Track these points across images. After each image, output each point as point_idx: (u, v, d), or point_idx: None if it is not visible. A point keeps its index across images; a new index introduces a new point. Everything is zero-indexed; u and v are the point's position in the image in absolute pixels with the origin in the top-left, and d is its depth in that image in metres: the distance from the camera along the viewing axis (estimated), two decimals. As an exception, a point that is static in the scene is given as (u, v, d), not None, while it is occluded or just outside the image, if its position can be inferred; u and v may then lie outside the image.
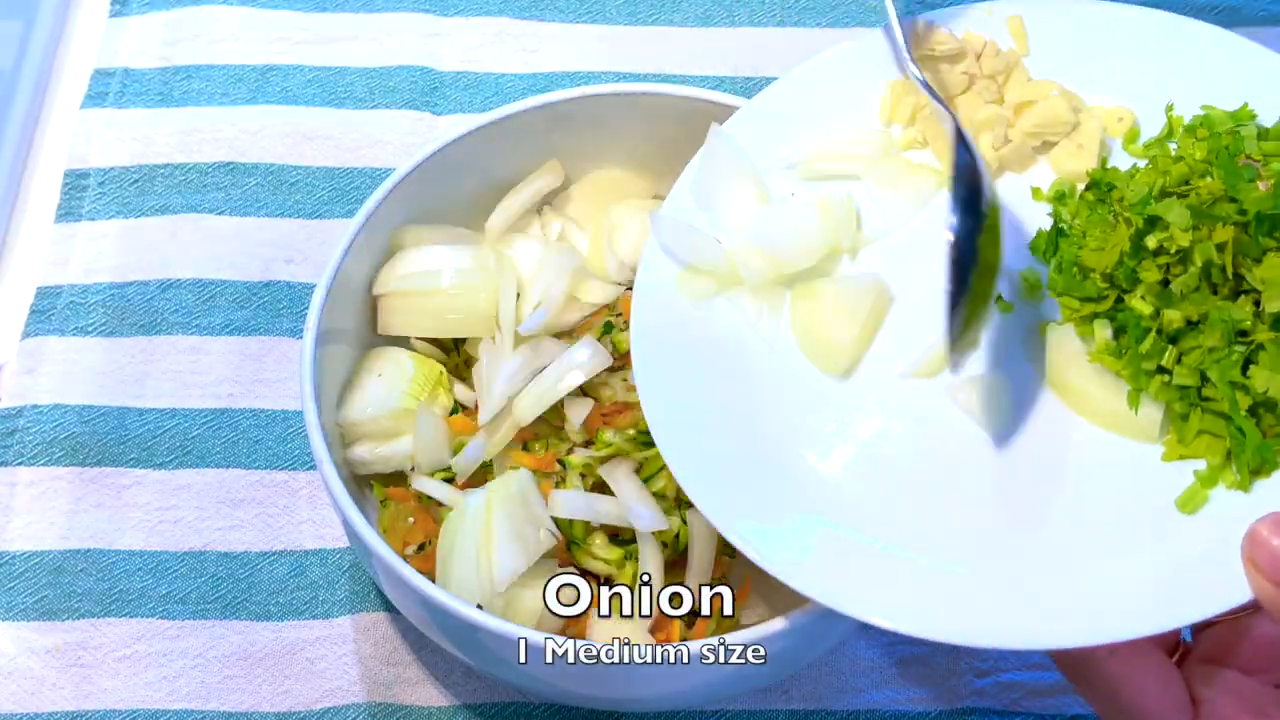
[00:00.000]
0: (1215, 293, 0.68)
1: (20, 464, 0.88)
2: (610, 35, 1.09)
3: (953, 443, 0.71)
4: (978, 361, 0.72)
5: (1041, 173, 0.78)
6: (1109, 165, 0.77)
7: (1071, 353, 0.71)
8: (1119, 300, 0.70)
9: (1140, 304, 0.68)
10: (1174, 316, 0.67)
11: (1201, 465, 0.67)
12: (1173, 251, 0.68)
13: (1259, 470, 0.66)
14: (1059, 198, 0.77)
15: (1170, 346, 0.68)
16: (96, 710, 0.81)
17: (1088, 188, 0.76)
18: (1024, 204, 0.77)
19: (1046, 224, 0.76)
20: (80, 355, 0.93)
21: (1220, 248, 0.67)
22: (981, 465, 0.70)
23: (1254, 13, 1.09)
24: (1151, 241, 0.68)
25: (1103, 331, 0.70)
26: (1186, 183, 0.71)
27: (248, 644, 0.83)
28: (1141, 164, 0.76)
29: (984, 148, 0.78)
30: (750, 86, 1.05)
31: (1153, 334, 0.68)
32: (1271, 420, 0.66)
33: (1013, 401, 0.71)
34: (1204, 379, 0.67)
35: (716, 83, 1.05)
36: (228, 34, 1.08)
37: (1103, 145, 0.78)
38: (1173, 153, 0.74)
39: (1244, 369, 0.66)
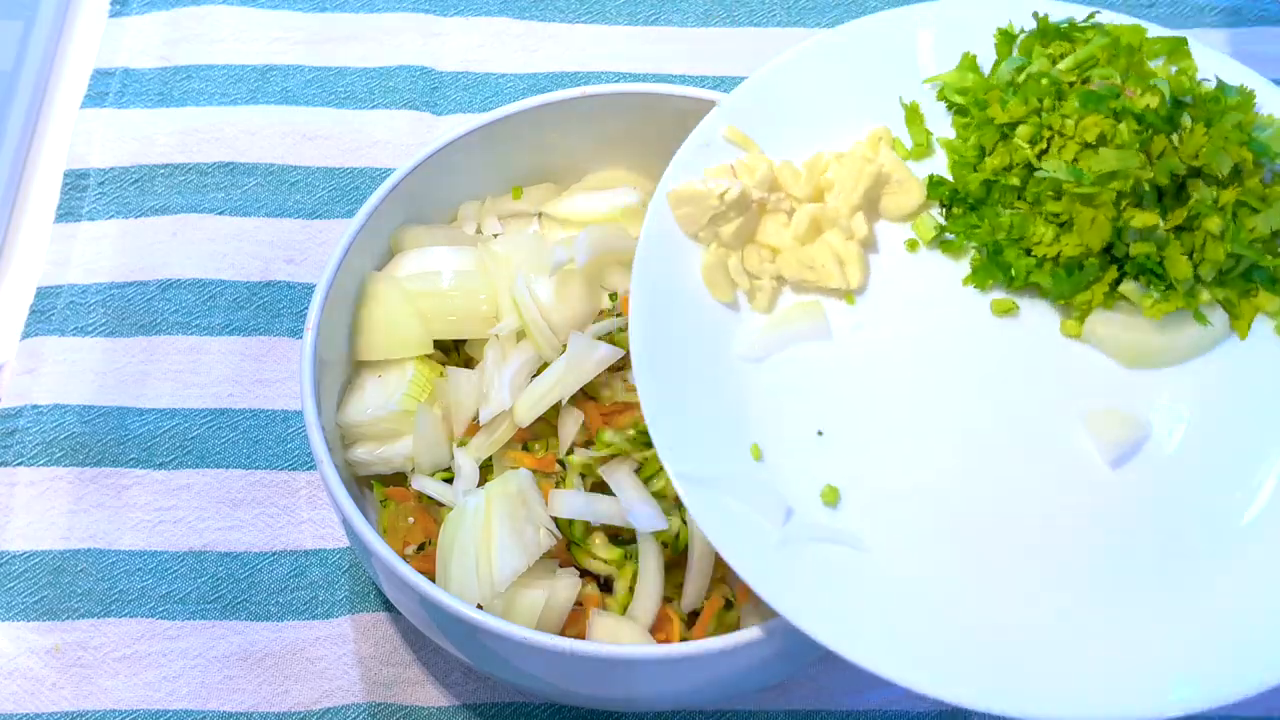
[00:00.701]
0: (1161, 200, 0.72)
1: (20, 464, 0.88)
2: (610, 35, 1.09)
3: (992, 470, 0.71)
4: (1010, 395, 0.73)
5: (882, 230, 0.78)
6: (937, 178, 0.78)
7: (1127, 325, 0.73)
8: (1114, 261, 0.73)
9: (1147, 248, 0.72)
10: (1178, 231, 0.72)
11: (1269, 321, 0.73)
12: (1146, 188, 0.71)
13: None
14: (940, 234, 0.77)
15: (1188, 260, 0.72)
16: (96, 710, 0.81)
17: (952, 204, 0.77)
18: (899, 259, 0.77)
19: (929, 263, 0.76)
20: (80, 355, 0.93)
21: (1166, 156, 0.72)
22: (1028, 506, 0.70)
23: (1254, 13, 1.09)
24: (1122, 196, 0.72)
25: (1135, 289, 0.73)
26: (1046, 139, 0.74)
27: (248, 644, 0.83)
28: (928, 164, 0.78)
29: (839, 244, 0.76)
30: (750, 86, 1.05)
31: (1182, 258, 0.72)
32: None
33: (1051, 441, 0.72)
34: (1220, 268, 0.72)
35: (716, 83, 1.05)
36: (228, 34, 1.08)
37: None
38: (964, 129, 0.77)
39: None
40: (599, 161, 0.90)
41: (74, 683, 0.82)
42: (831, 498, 0.70)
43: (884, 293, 0.76)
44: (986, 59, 0.79)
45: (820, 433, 0.72)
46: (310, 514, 0.88)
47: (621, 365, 0.79)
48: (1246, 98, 0.75)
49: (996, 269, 0.75)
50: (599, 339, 0.78)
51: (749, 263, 0.76)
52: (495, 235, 0.88)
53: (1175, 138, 0.73)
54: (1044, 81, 0.75)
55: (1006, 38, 0.79)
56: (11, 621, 0.83)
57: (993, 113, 0.76)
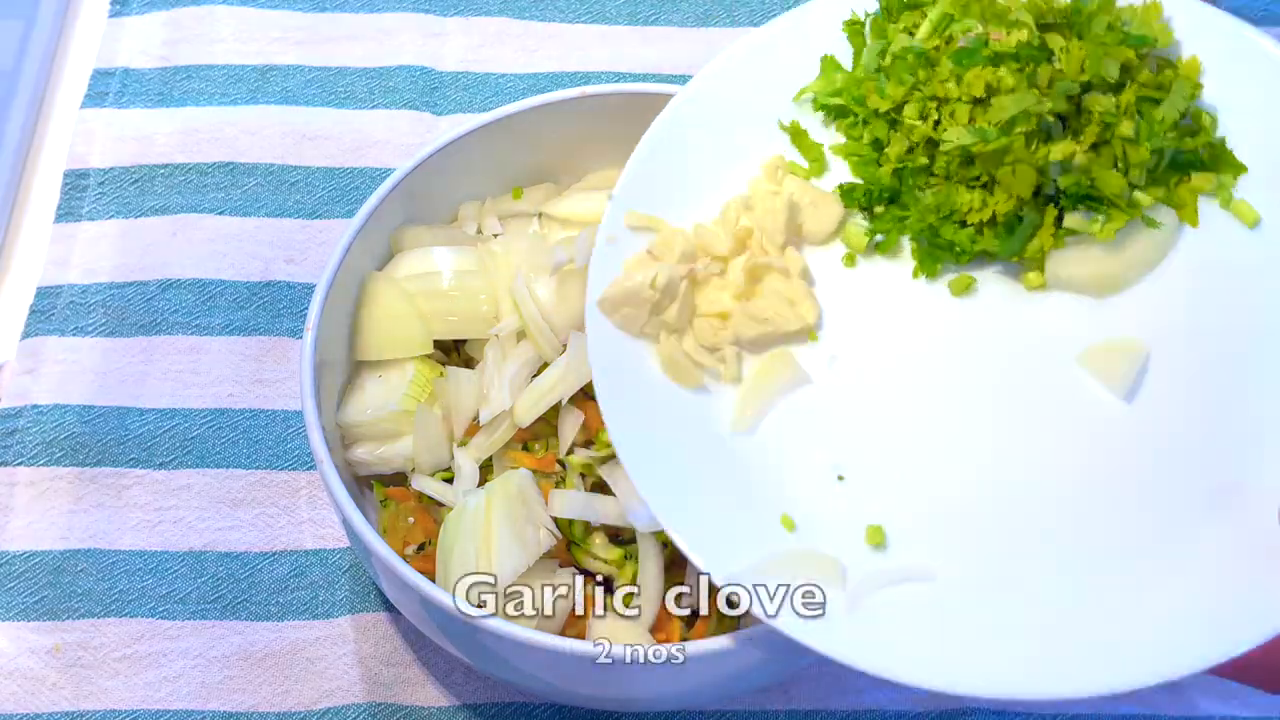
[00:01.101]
0: (1067, 126, 0.72)
1: (20, 464, 0.88)
2: (610, 35, 1.09)
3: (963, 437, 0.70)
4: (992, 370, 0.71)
5: (814, 256, 0.75)
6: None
7: (1084, 258, 0.72)
8: (1048, 201, 0.73)
9: (1074, 176, 0.71)
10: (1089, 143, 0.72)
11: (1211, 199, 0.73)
12: (1050, 119, 0.71)
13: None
14: (871, 238, 0.74)
15: (1116, 173, 0.72)
16: (96, 710, 0.81)
17: (872, 205, 0.75)
18: (841, 279, 0.74)
19: (872, 272, 0.74)
20: (80, 355, 0.93)
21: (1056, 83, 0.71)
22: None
23: (1254, 12, 1.09)
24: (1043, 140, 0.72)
25: (1080, 219, 0.72)
26: (936, 110, 0.73)
27: (248, 644, 0.83)
28: (830, 178, 0.76)
29: (783, 285, 0.73)
30: (750, 86, 1.05)
31: (1110, 173, 0.71)
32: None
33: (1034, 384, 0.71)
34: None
35: (716, 83, 1.05)
36: (227, 34, 1.08)
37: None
38: (851, 129, 0.76)
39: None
40: (599, 161, 0.90)
41: (74, 683, 0.82)
42: (878, 538, 0.67)
43: (841, 318, 0.74)
44: (844, 57, 0.78)
45: (841, 477, 0.69)
46: (310, 514, 0.88)
47: (621, 365, 0.79)
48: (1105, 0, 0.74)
49: (940, 250, 0.73)
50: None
51: (702, 337, 0.73)
52: (495, 235, 0.88)
53: (1055, 61, 0.72)
54: (909, 57, 0.74)
55: (854, 28, 0.78)
56: (11, 621, 0.83)
57: (873, 103, 0.75)
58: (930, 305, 0.73)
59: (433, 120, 1.04)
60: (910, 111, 0.74)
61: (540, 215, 0.89)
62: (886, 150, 0.75)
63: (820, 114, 0.77)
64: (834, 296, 0.74)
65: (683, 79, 1.04)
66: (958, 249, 0.73)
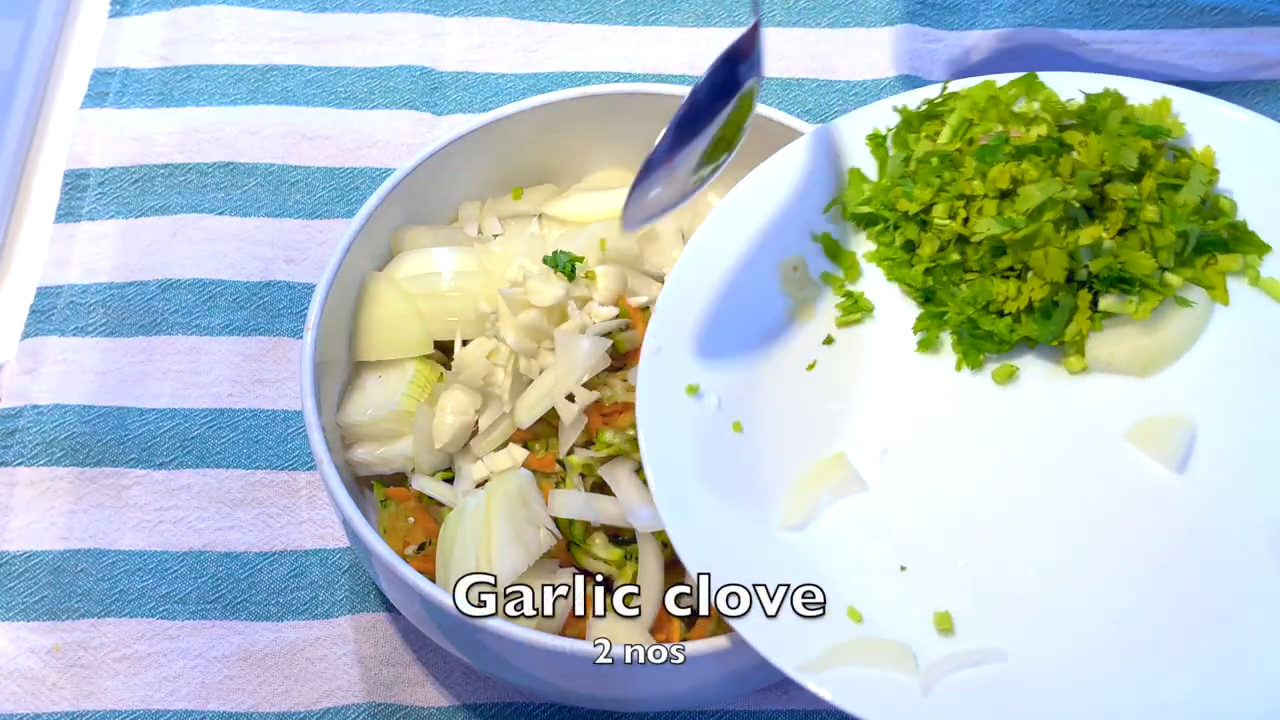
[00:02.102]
0: (1093, 215, 0.74)
1: (20, 464, 0.88)
2: (610, 35, 1.09)
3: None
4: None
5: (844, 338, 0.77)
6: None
7: (1123, 338, 0.73)
8: (1081, 286, 0.74)
9: (1105, 260, 0.73)
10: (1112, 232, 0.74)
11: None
12: (1076, 205, 0.73)
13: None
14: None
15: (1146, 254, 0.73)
16: (96, 710, 0.81)
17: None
18: (881, 368, 0.77)
19: (919, 368, 0.76)
20: (80, 355, 0.93)
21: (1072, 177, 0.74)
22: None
23: (1254, 12, 1.09)
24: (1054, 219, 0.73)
25: (1115, 302, 0.73)
26: (964, 208, 0.75)
27: (248, 644, 0.83)
28: (861, 284, 0.78)
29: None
30: (750, 86, 1.05)
31: (1140, 254, 0.73)
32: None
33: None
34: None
35: (716, 83, 1.05)
36: (227, 34, 1.08)
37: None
38: (880, 235, 0.78)
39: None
40: (599, 161, 0.90)
41: (74, 683, 0.82)
42: (946, 624, 0.68)
43: (890, 413, 0.75)
44: (869, 169, 0.80)
45: (903, 568, 0.70)
46: (310, 514, 0.88)
47: (621, 365, 0.79)
48: (1116, 97, 0.77)
49: (981, 341, 0.75)
50: (602, 336, 0.78)
51: None
52: (495, 235, 0.88)
53: (1075, 156, 0.74)
54: (934, 161, 0.77)
55: (877, 141, 0.80)
56: (11, 621, 0.83)
57: (902, 206, 0.77)
58: (977, 395, 0.75)
59: (433, 120, 1.04)
60: (939, 211, 0.76)
61: (540, 215, 0.89)
62: (919, 251, 0.77)
63: (850, 223, 0.79)
64: (882, 392, 0.75)
65: (683, 79, 1.05)
66: (997, 338, 0.75)
